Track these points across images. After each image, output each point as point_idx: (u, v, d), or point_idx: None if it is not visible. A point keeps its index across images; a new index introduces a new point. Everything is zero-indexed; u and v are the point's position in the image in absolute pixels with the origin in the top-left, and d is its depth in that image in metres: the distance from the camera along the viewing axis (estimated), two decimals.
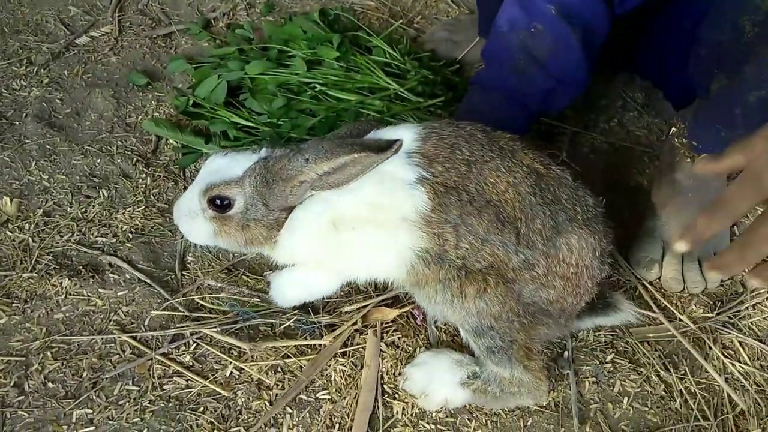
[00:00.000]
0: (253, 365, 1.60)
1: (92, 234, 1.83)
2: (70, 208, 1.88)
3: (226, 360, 1.61)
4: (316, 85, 2.11)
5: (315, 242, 1.46)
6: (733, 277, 1.88)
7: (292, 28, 2.30)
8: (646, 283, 1.85)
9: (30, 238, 1.79)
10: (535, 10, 1.74)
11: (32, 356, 1.58)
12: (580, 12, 1.73)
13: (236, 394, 1.56)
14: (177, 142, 2.07)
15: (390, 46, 2.27)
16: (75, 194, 1.91)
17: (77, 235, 1.82)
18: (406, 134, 1.44)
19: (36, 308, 1.66)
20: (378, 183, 1.39)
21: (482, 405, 1.57)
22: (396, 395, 1.59)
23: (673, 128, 1.78)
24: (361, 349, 1.65)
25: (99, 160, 2.00)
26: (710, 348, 1.71)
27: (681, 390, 1.64)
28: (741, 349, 1.73)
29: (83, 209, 1.88)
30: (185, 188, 1.89)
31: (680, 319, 1.77)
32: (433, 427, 1.54)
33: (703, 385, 1.65)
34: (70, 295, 1.69)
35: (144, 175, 1.98)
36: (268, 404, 1.55)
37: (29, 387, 1.53)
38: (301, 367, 1.61)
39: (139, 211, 1.89)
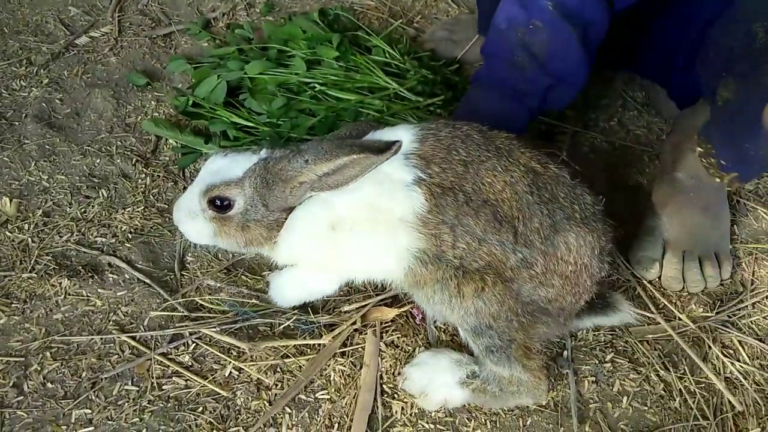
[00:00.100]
0: (253, 365, 1.60)
1: (92, 234, 1.83)
2: (70, 208, 1.88)
3: (226, 360, 1.61)
4: (316, 85, 2.11)
5: (314, 243, 1.46)
6: (733, 276, 1.88)
7: (291, 28, 2.30)
8: (645, 283, 1.85)
9: (29, 239, 1.79)
10: (533, 7, 1.74)
11: (31, 356, 1.58)
12: (579, 10, 1.73)
13: (235, 394, 1.56)
14: (176, 142, 2.07)
15: (390, 46, 2.28)
16: (74, 194, 1.91)
17: (77, 235, 1.82)
18: (404, 135, 1.45)
19: (35, 308, 1.66)
20: (376, 184, 1.40)
21: (481, 404, 1.57)
22: (395, 395, 1.59)
23: (698, 148, 1.76)
24: (360, 349, 1.65)
25: (98, 161, 2.00)
26: (710, 347, 1.71)
27: (680, 389, 1.63)
28: (740, 349, 1.72)
29: (83, 209, 1.88)
30: (185, 188, 1.90)
31: (680, 319, 1.77)
32: (432, 426, 1.54)
33: (703, 385, 1.65)
34: (69, 295, 1.69)
35: (143, 176, 1.98)
36: (267, 404, 1.55)
37: (28, 387, 1.53)
38: (300, 366, 1.61)
39: (138, 212, 1.89)
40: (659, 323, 1.75)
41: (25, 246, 1.78)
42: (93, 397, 1.53)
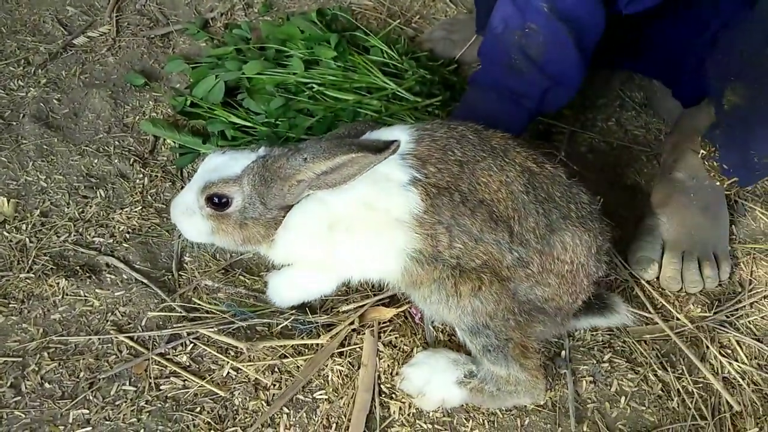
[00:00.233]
0: (250, 365, 1.60)
1: (89, 234, 1.83)
2: (68, 208, 1.88)
3: (223, 360, 1.61)
4: (314, 85, 2.11)
5: (311, 242, 1.47)
6: (731, 276, 1.88)
7: (289, 28, 2.29)
8: (643, 283, 1.85)
9: (27, 239, 1.79)
10: (528, 8, 1.74)
11: (29, 357, 1.58)
12: (574, 12, 1.73)
13: (233, 394, 1.56)
14: (174, 142, 2.07)
15: (388, 46, 2.28)
16: (72, 194, 1.91)
17: (74, 235, 1.82)
18: (400, 135, 1.45)
19: (33, 309, 1.66)
20: (372, 184, 1.40)
21: (479, 404, 1.57)
22: (393, 395, 1.58)
23: (702, 151, 1.77)
24: (358, 349, 1.65)
25: (96, 161, 2.00)
26: (707, 347, 1.71)
27: (678, 389, 1.63)
28: (738, 348, 1.73)
29: (80, 209, 1.88)
30: (183, 188, 1.89)
31: (678, 319, 1.77)
32: (430, 426, 1.54)
33: (701, 385, 1.65)
34: (67, 295, 1.69)
35: (141, 176, 1.97)
36: (265, 404, 1.55)
37: (26, 387, 1.53)
38: (298, 367, 1.61)
39: (136, 212, 1.89)
40: (657, 323, 1.75)
41: (22, 246, 1.78)
42: (91, 398, 1.52)
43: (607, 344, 1.72)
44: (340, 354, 1.64)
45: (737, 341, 1.74)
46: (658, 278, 1.85)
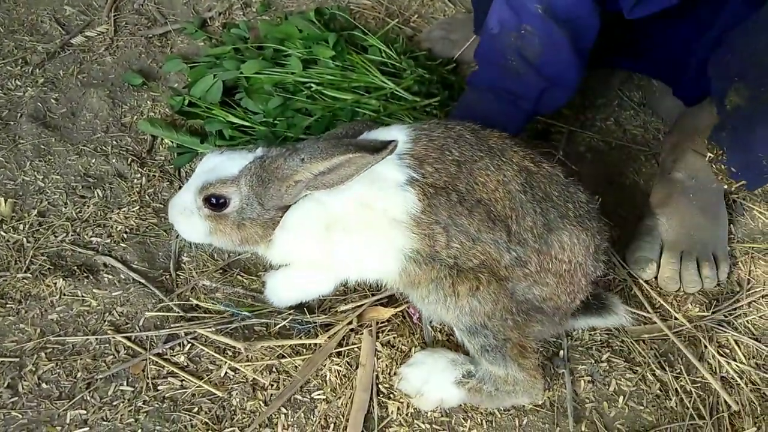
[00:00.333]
0: (248, 365, 1.60)
1: (87, 234, 1.83)
2: (65, 208, 1.87)
3: (221, 360, 1.60)
4: (312, 85, 2.11)
5: (308, 242, 1.47)
6: (730, 276, 1.88)
7: (287, 28, 2.29)
8: (641, 282, 1.85)
9: (24, 239, 1.79)
10: (523, 10, 1.74)
11: (26, 357, 1.57)
12: (569, 13, 1.73)
13: (231, 394, 1.55)
14: (172, 142, 2.06)
15: (386, 45, 2.27)
16: (70, 194, 1.91)
17: (72, 235, 1.82)
18: (397, 135, 1.45)
19: (30, 309, 1.66)
20: (369, 184, 1.40)
21: (477, 404, 1.57)
22: (391, 395, 1.58)
23: (709, 154, 1.77)
24: (356, 349, 1.64)
25: (94, 160, 2.00)
26: (706, 347, 1.71)
27: (676, 389, 1.63)
28: (736, 348, 1.73)
29: (78, 209, 1.87)
30: (180, 188, 1.89)
31: (676, 318, 1.77)
32: (428, 426, 1.54)
33: (699, 384, 1.65)
34: (64, 295, 1.69)
35: (139, 175, 1.97)
36: (263, 404, 1.54)
37: (23, 388, 1.52)
38: (296, 366, 1.61)
39: (134, 211, 1.88)
40: (655, 323, 1.75)
41: (20, 246, 1.77)
42: (88, 398, 1.52)
43: (606, 344, 1.71)
44: (338, 354, 1.64)
45: (735, 341, 1.74)
46: (656, 278, 1.85)
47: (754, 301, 1.83)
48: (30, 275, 1.71)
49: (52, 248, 1.78)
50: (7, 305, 1.66)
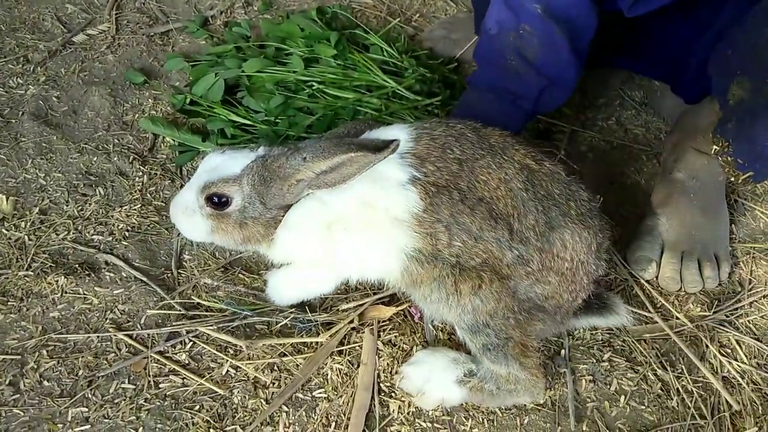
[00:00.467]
0: (250, 363, 1.60)
1: (88, 232, 1.83)
2: (67, 206, 1.87)
3: (223, 358, 1.60)
4: (314, 83, 2.11)
5: (310, 241, 1.46)
6: (731, 275, 1.88)
7: (289, 26, 2.29)
8: (643, 282, 1.85)
9: (26, 237, 1.79)
10: (522, 10, 1.74)
11: (28, 354, 1.57)
12: (567, 12, 1.73)
13: (232, 392, 1.55)
14: (174, 141, 2.06)
15: (387, 44, 2.27)
16: (71, 192, 1.91)
17: (73, 233, 1.82)
18: (399, 134, 1.45)
19: (32, 306, 1.66)
20: (371, 183, 1.40)
21: (479, 403, 1.57)
22: (393, 394, 1.58)
23: (714, 146, 1.76)
24: (357, 348, 1.64)
25: (95, 158, 2.00)
26: (707, 347, 1.71)
27: (678, 388, 1.63)
28: (738, 348, 1.73)
29: (79, 207, 1.87)
30: (182, 186, 1.89)
31: (677, 318, 1.77)
32: (429, 425, 1.54)
33: (700, 384, 1.65)
34: (66, 293, 1.69)
35: (141, 173, 1.97)
36: (264, 403, 1.54)
37: (24, 385, 1.52)
38: (297, 365, 1.61)
39: (135, 210, 1.88)
40: (657, 322, 1.75)
41: (21, 244, 1.77)
42: (89, 396, 1.52)
43: (607, 343, 1.71)
44: (340, 352, 1.64)
45: (737, 340, 1.74)
46: (656, 278, 1.85)
47: (756, 301, 1.83)
48: (31, 273, 1.71)
49: (54, 246, 1.78)
50: (9, 303, 1.66)
